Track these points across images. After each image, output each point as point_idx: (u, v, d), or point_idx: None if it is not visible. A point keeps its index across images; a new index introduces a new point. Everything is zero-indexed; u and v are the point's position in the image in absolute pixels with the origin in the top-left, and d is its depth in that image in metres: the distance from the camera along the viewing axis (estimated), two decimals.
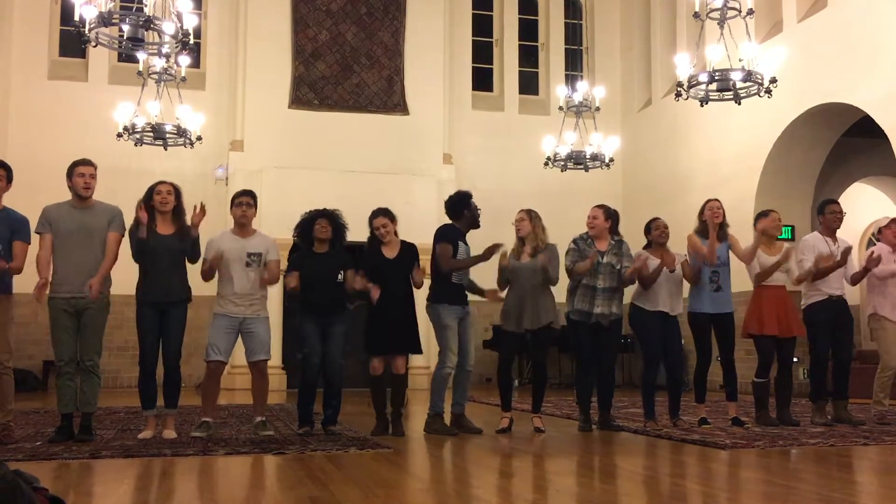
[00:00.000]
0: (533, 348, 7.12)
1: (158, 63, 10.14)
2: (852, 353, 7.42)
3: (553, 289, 6.90)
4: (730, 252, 7.14)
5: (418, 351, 6.85)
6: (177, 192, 6.21)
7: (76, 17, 7.53)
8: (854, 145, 12.64)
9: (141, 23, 7.48)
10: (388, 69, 14.05)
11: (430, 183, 13.50)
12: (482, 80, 15.61)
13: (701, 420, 6.91)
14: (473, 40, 15.51)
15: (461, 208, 6.90)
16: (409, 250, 6.76)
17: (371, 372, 6.68)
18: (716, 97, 8.97)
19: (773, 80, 8.78)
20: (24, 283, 5.92)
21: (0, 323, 5.84)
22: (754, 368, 7.27)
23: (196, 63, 13.50)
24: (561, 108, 12.17)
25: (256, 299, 6.36)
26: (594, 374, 7.02)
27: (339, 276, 6.45)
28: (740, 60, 8.72)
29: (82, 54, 13.68)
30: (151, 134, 11.06)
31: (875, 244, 7.68)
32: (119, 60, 13.60)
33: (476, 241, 7.01)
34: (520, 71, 15.72)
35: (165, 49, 8.08)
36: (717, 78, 8.75)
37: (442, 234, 6.83)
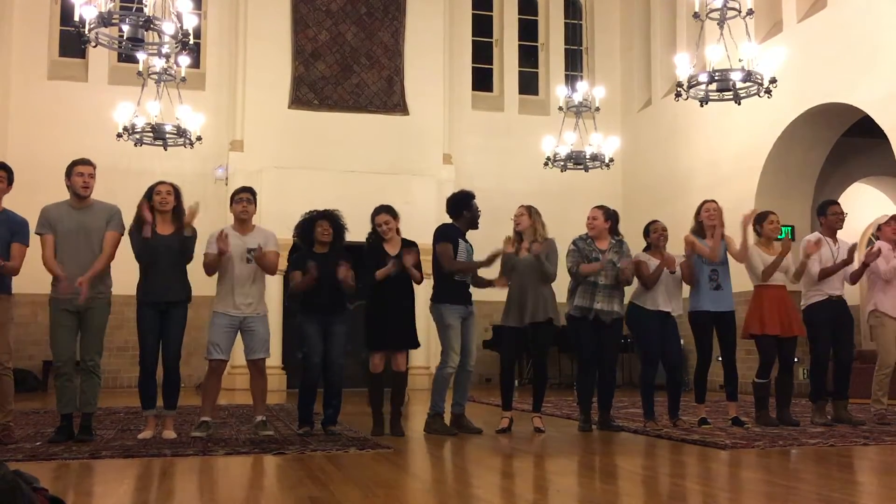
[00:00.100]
0: (533, 348, 7.12)
1: (158, 63, 10.14)
2: (853, 353, 7.43)
3: (553, 287, 6.90)
4: (727, 251, 7.15)
5: (416, 345, 6.85)
6: (176, 192, 6.21)
7: (76, 18, 7.53)
8: (854, 145, 12.64)
9: (141, 23, 7.47)
10: (387, 69, 14.05)
11: (429, 183, 13.50)
12: (482, 80, 15.61)
13: (701, 420, 6.91)
14: (473, 40, 15.50)
15: (461, 208, 6.90)
16: (410, 248, 6.76)
17: (371, 369, 6.68)
18: (716, 97, 8.96)
19: (773, 81, 8.77)
20: (24, 283, 5.92)
21: (0, 323, 5.85)
22: (755, 368, 7.27)
23: (196, 63, 13.50)
24: (561, 109, 12.17)
25: (256, 297, 6.37)
26: (595, 375, 7.02)
27: (341, 276, 6.44)
28: (740, 60, 8.72)
29: (82, 54, 13.68)
30: (151, 134, 11.05)
31: (875, 242, 7.68)
32: (119, 60, 13.59)
33: (476, 240, 7.01)
34: (520, 71, 15.72)
35: (165, 49, 8.08)
36: (716, 78, 8.75)
37: (441, 234, 6.83)
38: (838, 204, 7.48)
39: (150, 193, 6.17)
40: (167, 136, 11.03)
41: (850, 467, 5.27)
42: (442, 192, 13.26)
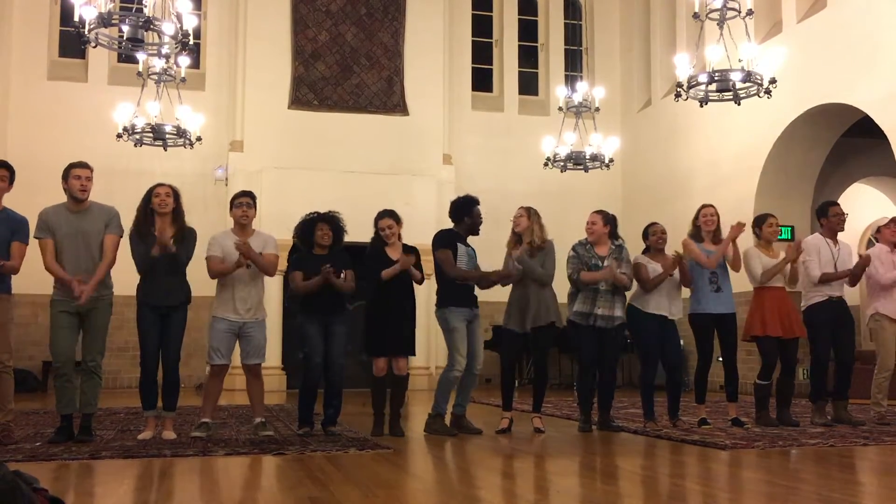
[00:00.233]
0: (534, 348, 7.12)
1: (158, 64, 10.13)
2: (853, 353, 7.43)
3: (553, 288, 6.90)
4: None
5: (413, 352, 6.86)
6: (175, 194, 6.20)
7: (76, 18, 7.53)
8: (854, 145, 12.64)
9: (141, 23, 7.47)
10: (387, 70, 14.05)
11: (429, 183, 13.50)
12: (482, 80, 15.61)
13: (701, 420, 6.91)
14: (473, 41, 15.50)
15: (462, 214, 6.89)
16: (411, 253, 6.77)
17: (375, 373, 6.68)
18: (715, 98, 8.96)
19: (773, 81, 8.77)
20: (25, 283, 5.92)
21: (0, 323, 5.85)
22: (755, 369, 7.27)
23: (196, 63, 13.50)
24: (560, 109, 12.16)
25: (255, 302, 6.37)
26: (595, 375, 7.02)
27: (342, 276, 6.45)
28: (740, 61, 8.72)
29: (82, 55, 13.68)
30: (151, 134, 11.04)
31: (874, 244, 7.68)
32: (119, 61, 13.59)
33: (476, 240, 7.00)
34: (519, 71, 15.71)
35: (165, 49, 8.08)
36: (716, 78, 8.74)
37: (439, 240, 6.82)
38: (839, 205, 7.47)
39: (149, 196, 6.16)
40: (167, 136, 11.03)
41: (850, 467, 5.27)
42: (442, 192, 13.29)
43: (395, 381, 6.72)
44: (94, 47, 7.91)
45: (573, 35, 16.02)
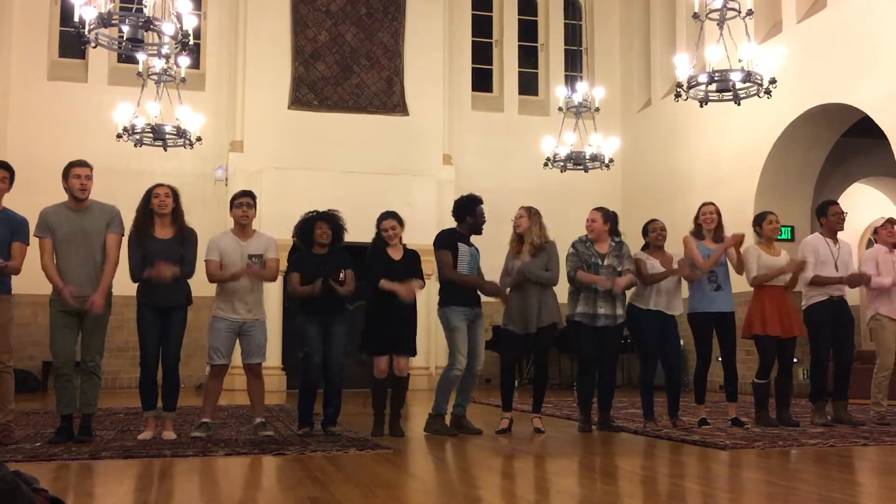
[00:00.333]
0: (534, 349, 7.12)
1: (158, 64, 10.13)
2: (853, 353, 7.43)
3: (553, 288, 6.90)
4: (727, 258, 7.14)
5: (414, 353, 6.86)
6: (175, 194, 6.19)
7: (76, 18, 7.53)
8: (854, 145, 12.64)
9: (140, 24, 7.47)
10: (387, 70, 14.05)
11: (429, 183, 13.51)
12: (482, 80, 15.61)
13: (701, 420, 6.91)
14: (473, 41, 15.50)
15: (465, 213, 6.90)
16: (412, 257, 6.79)
17: (376, 374, 6.67)
18: (715, 98, 8.96)
19: (773, 81, 8.77)
20: (25, 284, 5.92)
21: (0, 323, 5.85)
22: (755, 369, 7.27)
23: (196, 64, 13.50)
24: (560, 109, 12.16)
25: (255, 302, 6.36)
26: (595, 375, 7.02)
27: (342, 276, 6.45)
28: (740, 61, 8.72)
29: (82, 55, 13.68)
30: (151, 135, 11.05)
31: (874, 245, 7.69)
32: (119, 61, 13.59)
33: (477, 240, 7.00)
34: (519, 72, 15.71)
35: (165, 50, 8.08)
36: (716, 78, 8.75)
37: (439, 241, 6.84)
38: (838, 204, 7.48)
39: (149, 196, 6.15)
40: (167, 136, 11.03)
41: (849, 468, 5.27)
42: (442, 192, 13.30)
43: (395, 381, 6.72)
44: (94, 47, 7.91)
45: (573, 35, 16.02)
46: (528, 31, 15.97)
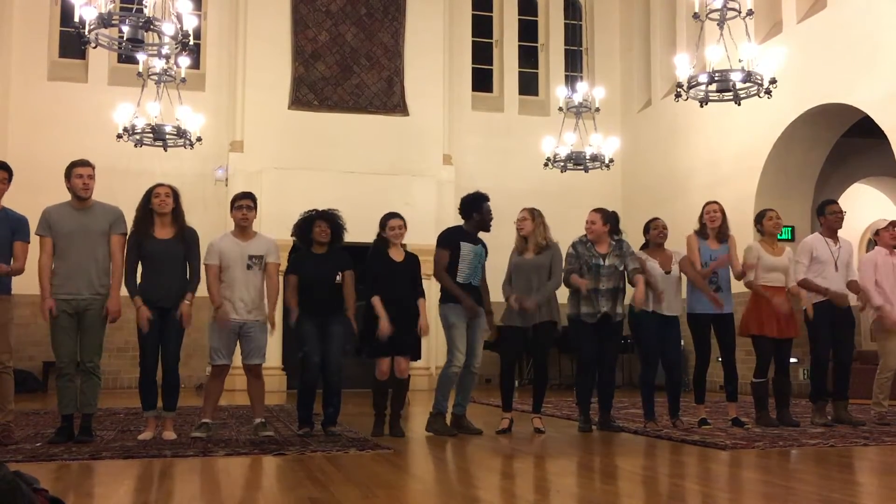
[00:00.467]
0: (534, 349, 7.12)
1: (158, 64, 10.13)
2: (853, 353, 7.43)
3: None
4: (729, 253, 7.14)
5: (419, 356, 6.87)
6: (175, 194, 6.19)
7: (76, 19, 7.53)
8: (854, 146, 12.64)
9: (141, 24, 7.47)
10: (387, 70, 14.05)
11: (429, 184, 13.50)
12: (482, 80, 15.60)
13: (701, 421, 6.91)
14: (473, 41, 15.49)
15: (471, 210, 6.91)
16: (413, 260, 6.79)
17: (378, 376, 6.67)
18: (715, 98, 8.96)
19: (773, 81, 8.77)
20: (25, 283, 5.92)
21: (0, 323, 5.85)
22: (753, 369, 7.27)
23: (196, 64, 13.50)
24: (561, 109, 12.16)
25: (257, 304, 6.36)
26: (594, 375, 7.02)
27: (338, 278, 6.45)
28: (740, 61, 8.72)
29: (82, 55, 13.68)
30: (151, 135, 11.05)
31: (875, 246, 7.69)
32: (119, 61, 13.59)
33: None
34: (519, 72, 15.71)
35: (165, 50, 8.08)
36: (716, 79, 8.75)
37: (440, 239, 6.86)
38: (837, 203, 7.48)
39: (149, 196, 6.16)
40: (167, 136, 11.03)
41: (850, 468, 5.27)
42: (442, 192, 13.30)
43: (396, 382, 6.72)
44: (95, 48, 7.91)
45: (573, 35, 16.02)
46: (528, 31, 15.97)
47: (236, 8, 13.85)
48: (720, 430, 6.74)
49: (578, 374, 7.24)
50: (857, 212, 13.66)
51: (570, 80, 14.37)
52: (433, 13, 14.28)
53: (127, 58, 11.46)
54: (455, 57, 14.88)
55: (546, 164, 12.44)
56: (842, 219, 7.37)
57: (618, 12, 15.96)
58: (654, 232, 7.10)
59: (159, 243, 6.07)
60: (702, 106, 9.14)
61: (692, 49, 9.89)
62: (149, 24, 7.48)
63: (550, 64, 15.72)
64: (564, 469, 5.24)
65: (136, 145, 11.27)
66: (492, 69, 15.76)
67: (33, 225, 6.00)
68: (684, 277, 7.10)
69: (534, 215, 6.93)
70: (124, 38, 7.74)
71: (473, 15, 15.56)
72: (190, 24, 8.06)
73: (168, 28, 7.70)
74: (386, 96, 14.00)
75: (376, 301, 6.52)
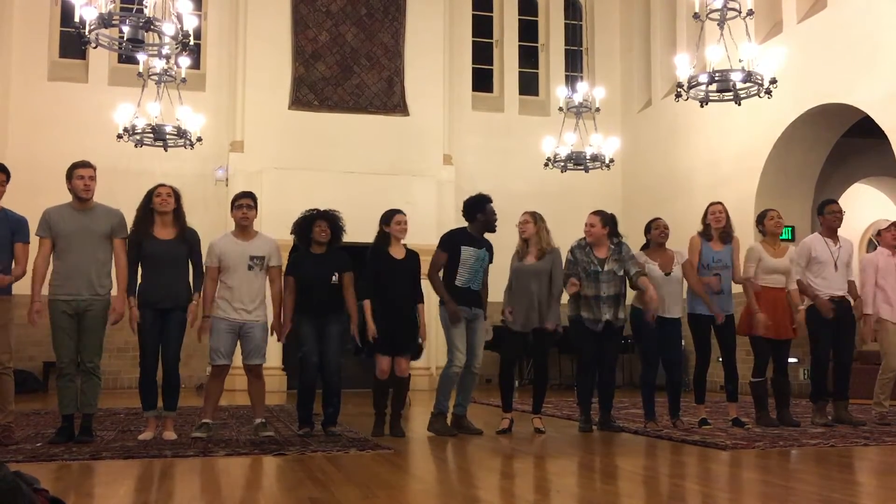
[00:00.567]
0: (534, 350, 7.12)
1: (158, 64, 10.13)
2: (853, 353, 7.43)
3: None
4: (732, 254, 7.14)
5: (418, 356, 6.87)
6: (176, 194, 6.20)
7: (76, 19, 7.53)
8: (854, 146, 12.64)
9: (141, 24, 7.47)
10: (388, 70, 14.04)
11: (430, 184, 13.50)
12: (482, 80, 15.60)
13: (701, 421, 6.91)
14: (473, 41, 15.49)
15: (475, 212, 6.92)
16: (413, 258, 6.79)
17: (378, 375, 6.66)
18: (716, 98, 8.96)
19: (773, 81, 8.77)
20: (26, 284, 5.93)
21: (0, 324, 5.85)
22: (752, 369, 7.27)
23: (196, 64, 13.49)
24: (561, 109, 12.16)
25: (256, 303, 6.36)
26: (595, 375, 7.02)
27: (335, 278, 6.44)
28: (740, 61, 8.72)
29: (82, 55, 13.68)
30: (151, 135, 11.04)
31: (876, 247, 7.69)
32: (119, 62, 13.59)
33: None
34: (520, 72, 15.70)
35: (165, 50, 8.08)
36: (717, 79, 8.74)
37: (441, 242, 6.87)
38: (836, 203, 7.49)
39: (150, 197, 6.16)
40: (167, 137, 11.03)
41: (850, 468, 5.27)
42: (442, 192, 13.30)
43: (396, 381, 6.72)
44: (95, 48, 7.91)
45: (573, 35, 16.02)
46: (528, 31, 15.97)
47: (236, 8, 13.85)
48: (720, 430, 6.74)
49: (579, 374, 7.24)
50: (857, 212, 13.67)
51: (571, 80, 14.37)
52: (433, 13, 14.28)
53: (127, 58, 11.45)
54: (455, 57, 14.88)
55: (546, 165, 12.44)
56: (841, 218, 7.37)
57: (618, 12, 15.96)
58: (656, 232, 7.10)
59: (160, 244, 6.07)
60: (702, 106, 9.14)
61: (692, 49, 9.88)
62: (149, 25, 7.48)
63: (550, 64, 15.72)
64: (565, 469, 5.24)
65: (136, 145, 11.27)
66: (492, 69, 15.76)
67: (33, 226, 6.00)
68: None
69: (535, 218, 6.93)
70: (124, 39, 7.74)
71: (473, 15, 15.56)
72: (190, 24, 8.06)
73: (168, 28, 7.69)
74: (386, 96, 14.00)
75: (366, 305, 6.53)
